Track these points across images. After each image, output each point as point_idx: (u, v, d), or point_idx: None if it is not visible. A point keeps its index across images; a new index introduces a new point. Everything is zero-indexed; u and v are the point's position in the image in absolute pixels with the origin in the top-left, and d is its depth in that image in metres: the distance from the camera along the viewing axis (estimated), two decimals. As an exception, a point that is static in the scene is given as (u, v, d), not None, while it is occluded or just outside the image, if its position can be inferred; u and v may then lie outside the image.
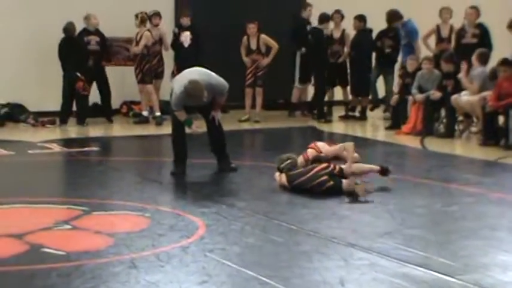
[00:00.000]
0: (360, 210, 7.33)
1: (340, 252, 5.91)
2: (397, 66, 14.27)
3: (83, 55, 13.59)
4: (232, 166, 9.15)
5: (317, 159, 8.38)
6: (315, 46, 13.93)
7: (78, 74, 13.42)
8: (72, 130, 13.27)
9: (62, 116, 13.61)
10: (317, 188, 7.93)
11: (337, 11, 14.52)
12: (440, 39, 13.52)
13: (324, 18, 14.01)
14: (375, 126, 13.92)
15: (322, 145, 8.74)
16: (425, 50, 13.71)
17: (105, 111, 14.10)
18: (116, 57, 14.96)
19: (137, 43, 13.86)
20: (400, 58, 14.17)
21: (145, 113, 13.96)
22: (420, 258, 5.73)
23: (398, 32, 14.17)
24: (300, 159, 8.45)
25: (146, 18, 14.00)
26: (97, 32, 14.00)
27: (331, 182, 7.91)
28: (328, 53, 14.15)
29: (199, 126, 8.96)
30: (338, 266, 5.58)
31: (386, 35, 14.23)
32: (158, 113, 13.69)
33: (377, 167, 8.30)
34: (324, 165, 8.13)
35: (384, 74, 14.42)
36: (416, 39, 13.89)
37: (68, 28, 13.54)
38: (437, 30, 13.56)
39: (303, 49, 14.21)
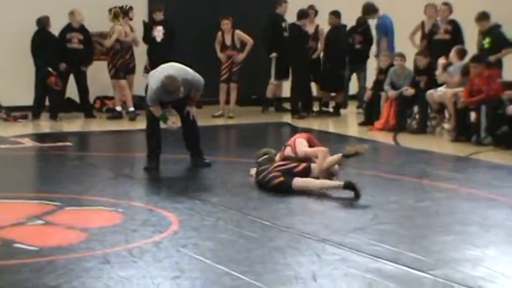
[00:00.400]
0: (333, 206, 7.37)
1: (313, 247, 5.94)
2: (370, 62, 14.32)
3: (55, 49, 13.48)
4: (206, 162, 9.15)
5: (289, 158, 8.27)
6: (292, 42, 13.93)
7: (50, 69, 13.34)
8: (45, 125, 13.21)
9: (34, 111, 13.54)
10: (266, 184, 7.88)
11: (311, 7, 14.55)
12: (424, 36, 13.56)
13: (302, 15, 13.98)
14: (348, 122, 13.98)
15: (300, 142, 8.42)
16: (412, 46, 13.64)
17: (83, 107, 13.98)
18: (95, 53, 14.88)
19: (109, 38, 13.82)
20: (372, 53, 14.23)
21: (118, 109, 13.91)
22: (392, 253, 5.77)
23: (368, 27, 14.23)
24: (277, 157, 8.41)
25: (119, 13, 13.94)
26: (81, 29, 13.85)
27: (281, 179, 7.78)
28: (306, 49, 14.11)
29: (175, 122, 8.95)
30: (311, 261, 5.61)
31: (356, 31, 14.29)
32: (132, 108, 13.65)
33: (341, 184, 7.74)
34: (285, 162, 8.05)
35: (356, 70, 14.47)
36: (384, 35, 13.89)
37: (42, 21, 13.43)
38: (422, 26, 13.60)
39: (274, 54, 14.23)
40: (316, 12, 14.60)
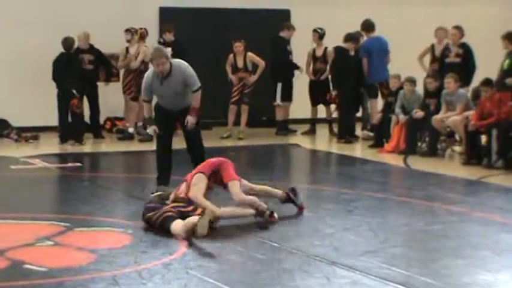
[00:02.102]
0: (343, 228, 7.33)
1: (323, 270, 5.91)
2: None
3: (79, 72, 13.42)
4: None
5: (179, 200, 7.39)
6: (337, 65, 13.79)
7: (74, 92, 13.22)
8: (65, 147, 13.07)
9: (61, 134, 13.27)
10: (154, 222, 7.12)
11: (315, 30, 14.57)
12: (434, 59, 13.55)
13: (350, 38, 13.89)
14: (355, 144, 13.94)
15: (198, 180, 7.51)
16: (421, 68, 13.63)
17: (92, 128, 13.97)
18: (100, 73, 14.92)
19: (126, 58, 13.81)
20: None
21: (131, 130, 13.89)
22: (403, 277, 5.73)
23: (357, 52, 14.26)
24: (172, 195, 7.56)
25: (145, 34, 14.02)
26: (91, 50, 13.86)
27: (167, 214, 7.04)
28: (352, 73, 13.82)
29: (156, 130, 8.82)
30: (320, 284, 5.58)
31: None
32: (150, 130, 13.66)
33: (252, 212, 7.44)
34: (179, 204, 7.26)
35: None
36: (365, 56, 13.88)
37: (67, 42, 13.27)
38: (432, 49, 13.59)
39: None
40: (321, 36, 14.60)
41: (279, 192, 7.94)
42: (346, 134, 13.68)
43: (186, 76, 8.62)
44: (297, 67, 14.56)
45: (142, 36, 14.00)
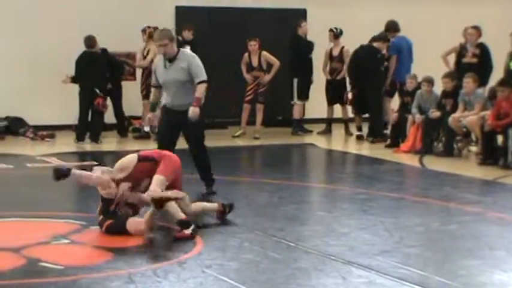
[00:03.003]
0: (358, 228, 7.32)
1: (339, 269, 5.90)
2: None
3: (103, 70, 13.44)
4: (212, 191, 8.82)
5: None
6: (366, 64, 13.70)
7: (97, 91, 13.25)
8: (81, 146, 13.11)
9: (79, 133, 13.28)
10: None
11: (331, 30, 14.55)
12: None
13: (380, 38, 13.76)
14: (373, 143, 13.90)
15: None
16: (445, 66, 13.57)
17: (119, 128, 14.00)
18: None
19: (144, 58, 13.84)
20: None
21: (146, 129, 13.91)
22: (418, 276, 5.72)
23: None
24: None
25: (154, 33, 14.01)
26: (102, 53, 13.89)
27: (110, 221, 6.86)
28: (382, 72, 13.79)
29: (152, 120, 8.74)
30: (336, 283, 5.57)
31: None
32: None
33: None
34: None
35: None
36: (393, 54, 13.88)
37: (90, 40, 13.28)
38: (460, 48, 13.50)
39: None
40: (337, 35, 14.56)
41: (214, 205, 7.56)
42: (378, 134, 13.64)
43: (191, 64, 8.36)
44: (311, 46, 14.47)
45: (151, 35, 14.00)
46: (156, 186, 6.89)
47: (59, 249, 6.44)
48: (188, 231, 6.70)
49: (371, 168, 11.33)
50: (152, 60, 13.67)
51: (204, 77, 8.41)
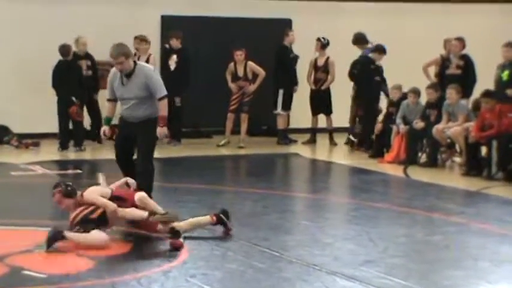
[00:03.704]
0: (343, 238, 7.34)
1: (323, 279, 5.91)
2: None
3: (79, 79, 13.43)
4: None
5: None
6: (362, 75, 13.76)
7: (74, 99, 13.22)
8: (65, 154, 13.04)
9: (62, 141, 13.20)
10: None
11: (318, 39, 14.60)
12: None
13: (377, 49, 13.80)
14: (356, 154, 13.94)
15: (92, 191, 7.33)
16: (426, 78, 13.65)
17: (94, 134, 13.94)
18: (105, 81, 14.94)
19: None
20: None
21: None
22: (402, 287, 5.73)
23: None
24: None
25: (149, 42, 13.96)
26: (87, 56, 13.89)
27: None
28: (377, 83, 13.79)
29: (105, 134, 8.45)
30: (320, 293, 5.58)
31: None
32: None
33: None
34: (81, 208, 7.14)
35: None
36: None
37: (65, 49, 13.30)
38: (442, 60, 13.56)
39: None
40: (327, 44, 14.62)
41: (207, 218, 7.37)
42: (363, 143, 13.73)
43: (149, 79, 8.02)
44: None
45: (144, 39, 13.96)
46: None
47: (42, 258, 6.41)
48: (181, 240, 6.71)
49: (355, 178, 11.36)
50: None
51: (164, 92, 8.11)
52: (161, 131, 8.13)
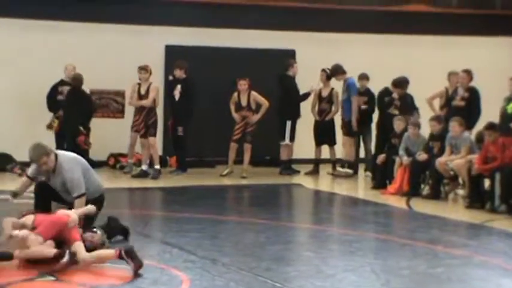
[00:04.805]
0: (345, 269, 7.31)
1: (325, 311, 5.88)
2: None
3: (89, 108, 13.45)
4: None
5: None
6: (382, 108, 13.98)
7: (81, 128, 13.25)
8: None
9: None
10: None
11: (324, 70, 14.68)
12: (446, 103, 13.62)
13: (397, 84, 13.88)
14: (359, 184, 13.94)
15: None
16: (429, 110, 13.71)
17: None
18: (105, 110, 15.03)
19: (141, 96, 13.75)
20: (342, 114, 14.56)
21: (144, 167, 13.80)
22: (404, 319, 5.70)
23: (370, 91, 14.42)
24: None
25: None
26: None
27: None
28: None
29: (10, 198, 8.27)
30: (322, 325, 5.55)
31: (361, 93, 14.47)
32: (157, 167, 13.70)
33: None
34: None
35: (362, 132, 14.59)
36: (355, 94, 14.25)
37: (77, 79, 13.37)
38: (446, 93, 13.65)
39: (363, 106, 14.43)
40: (331, 76, 14.69)
41: (111, 252, 7.06)
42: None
43: (66, 180, 7.91)
44: (307, 94, 14.64)
45: (151, 72, 14.02)
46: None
47: (44, 287, 6.39)
48: (64, 259, 6.69)
49: (358, 210, 11.34)
50: (154, 100, 13.74)
51: (82, 190, 7.92)
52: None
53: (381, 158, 13.06)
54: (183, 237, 8.66)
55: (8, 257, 6.92)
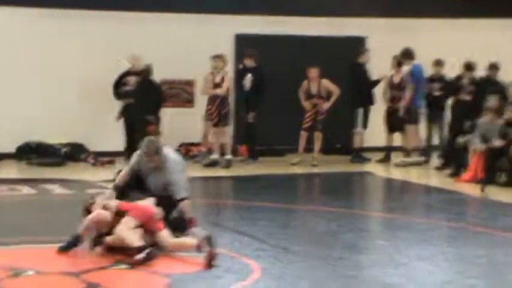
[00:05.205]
0: (418, 258, 7.21)
1: (398, 300, 5.81)
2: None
3: (158, 98, 13.55)
4: None
5: None
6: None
7: (151, 118, 13.31)
8: None
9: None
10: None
11: (395, 56, 14.50)
12: None
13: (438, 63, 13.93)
14: (431, 172, 13.73)
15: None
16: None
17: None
18: (175, 99, 15.12)
19: (215, 85, 13.77)
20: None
21: (215, 156, 13.85)
22: (481, 309, 5.60)
23: (444, 77, 14.19)
24: None
25: (227, 61, 14.02)
26: (139, 73, 13.94)
27: None
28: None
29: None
30: (396, 314, 5.49)
31: (435, 80, 14.25)
32: (229, 156, 13.73)
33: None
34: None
35: (435, 118, 14.38)
36: (414, 82, 14.04)
37: (146, 70, 13.42)
38: None
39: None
40: (400, 63, 14.50)
41: (192, 240, 7.12)
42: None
43: (170, 180, 7.72)
44: (377, 81, 14.54)
45: (226, 62, 14.08)
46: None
47: (117, 275, 6.48)
48: (141, 255, 6.71)
49: (431, 198, 11.18)
50: (228, 89, 13.77)
51: (186, 192, 7.79)
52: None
53: (460, 142, 12.72)
54: (254, 226, 8.67)
55: (78, 243, 7.04)
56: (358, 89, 14.34)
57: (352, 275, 6.47)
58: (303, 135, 14.18)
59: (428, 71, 14.33)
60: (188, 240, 7.20)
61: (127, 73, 13.84)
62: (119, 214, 7.22)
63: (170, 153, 7.92)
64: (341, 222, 8.87)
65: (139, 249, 6.77)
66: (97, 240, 7.10)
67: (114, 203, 7.44)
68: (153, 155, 7.71)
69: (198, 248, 6.89)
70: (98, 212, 7.23)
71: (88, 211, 7.38)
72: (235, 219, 9.02)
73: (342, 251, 7.39)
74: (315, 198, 11.61)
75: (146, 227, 7.20)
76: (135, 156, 7.98)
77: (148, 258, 6.73)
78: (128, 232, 6.99)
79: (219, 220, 9.09)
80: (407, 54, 14.24)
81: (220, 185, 12.27)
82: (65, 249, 7.07)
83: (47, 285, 6.14)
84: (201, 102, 14.24)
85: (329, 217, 9.11)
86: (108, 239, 7.09)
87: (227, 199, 9.32)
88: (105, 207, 7.30)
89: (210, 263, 6.74)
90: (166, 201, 7.62)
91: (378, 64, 14.49)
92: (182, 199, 7.68)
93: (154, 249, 6.85)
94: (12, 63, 14.06)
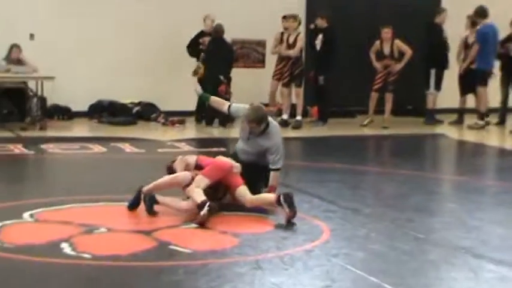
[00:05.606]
0: (491, 221, 7.09)
1: (469, 263, 5.74)
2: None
3: (229, 58, 13.59)
4: None
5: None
6: None
7: (221, 77, 13.39)
8: (210, 131, 13.31)
9: (207, 118, 13.48)
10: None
11: (469, 16, 14.18)
12: None
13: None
14: (507, 134, 13.46)
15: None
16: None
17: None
18: (246, 59, 15.10)
19: (288, 46, 13.73)
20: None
21: (285, 117, 13.85)
22: (555, 274, 5.49)
23: None
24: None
25: (301, 21, 13.97)
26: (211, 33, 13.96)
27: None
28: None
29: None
30: (467, 277, 5.42)
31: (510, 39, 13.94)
32: (299, 117, 13.72)
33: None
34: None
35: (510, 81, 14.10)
36: (480, 43, 13.73)
37: (217, 29, 13.53)
38: None
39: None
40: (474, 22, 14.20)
41: (272, 196, 7.11)
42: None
43: (270, 148, 7.55)
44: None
45: (300, 22, 13.99)
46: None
47: (187, 233, 6.54)
48: (203, 212, 6.66)
49: (505, 160, 10.98)
50: (301, 50, 13.72)
51: (280, 164, 7.64)
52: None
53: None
54: (323, 187, 8.64)
55: (139, 203, 7.12)
56: (432, 50, 14.10)
57: (422, 238, 6.40)
58: (374, 96, 14.05)
59: (505, 31, 14.00)
60: (268, 196, 7.21)
61: (202, 33, 13.88)
62: (199, 168, 7.29)
63: (273, 122, 7.80)
64: (411, 184, 8.78)
65: (201, 205, 6.77)
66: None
67: (194, 158, 7.49)
68: (261, 122, 7.59)
69: (278, 203, 6.90)
70: (175, 175, 7.25)
71: (170, 170, 7.42)
72: (304, 180, 9.00)
73: (412, 214, 7.32)
74: (385, 160, 11.51)
75: (224, 181, 7.23)
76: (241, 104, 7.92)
77: (210, 214, 6.74)
78: (194, 191, 7.00)
79: (287, 181, 9.09)
80: (480, 13, 13.88)
81: (289, 146, 12.19)
82: (132, 206, 7.16)
83: (119, 242, 6.24)
84: (272, 62, 14.21)
85: (399, 179, 9.02)
86: (162, 200, 7.13)
87: (296, 160, 9.30)
88: (186, 166, 7.35)
89: (289, 221, 6.75)
90: (257, 170, 7.57)
91: (452, 25, 14.20)
92: (277, 169, 7.58)
93: (214, 203, 6.84)
94: (89, 23, 14.18)
